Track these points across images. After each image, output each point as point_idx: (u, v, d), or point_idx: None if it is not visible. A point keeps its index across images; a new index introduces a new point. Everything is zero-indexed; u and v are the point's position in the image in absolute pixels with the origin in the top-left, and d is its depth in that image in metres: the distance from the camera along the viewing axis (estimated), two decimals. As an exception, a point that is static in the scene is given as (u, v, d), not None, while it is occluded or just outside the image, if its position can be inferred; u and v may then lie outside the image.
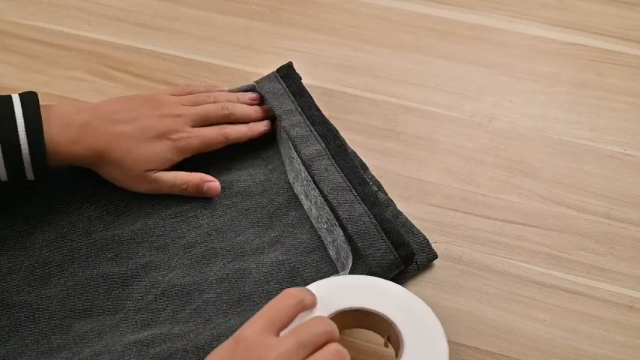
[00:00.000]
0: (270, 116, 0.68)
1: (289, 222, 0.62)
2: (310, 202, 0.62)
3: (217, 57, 0.76)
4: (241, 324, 0.54)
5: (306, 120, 0.65)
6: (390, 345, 0.51)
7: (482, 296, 0.58)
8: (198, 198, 0.63)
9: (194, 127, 0.63)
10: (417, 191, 0.65)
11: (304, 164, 0.62)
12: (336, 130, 0.66)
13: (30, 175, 0.57)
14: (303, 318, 0.47)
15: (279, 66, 0.70)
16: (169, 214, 0.62)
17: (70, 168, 0.61)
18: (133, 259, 0.59)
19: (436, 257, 0.60)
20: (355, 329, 0.53)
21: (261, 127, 0.66)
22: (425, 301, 0.52)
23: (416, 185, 0.65)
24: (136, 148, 0.60)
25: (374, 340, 0.54)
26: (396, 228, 0.58)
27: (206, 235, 0.61)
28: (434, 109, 0.71)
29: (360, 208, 0.59)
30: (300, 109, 0.66)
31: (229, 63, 0.75)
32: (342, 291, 0.51)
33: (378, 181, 0.64)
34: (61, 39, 0.77)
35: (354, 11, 0.81)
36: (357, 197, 0.59)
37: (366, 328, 0.52)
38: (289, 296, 0.47)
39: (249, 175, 0.65)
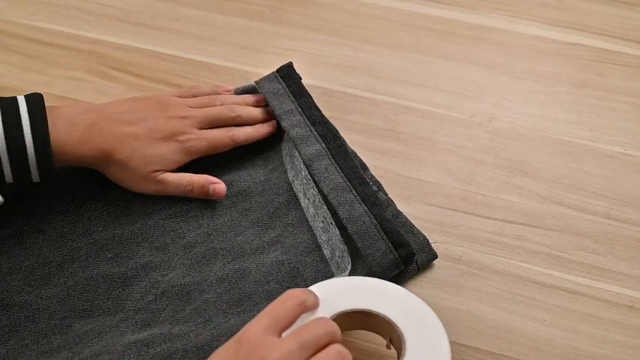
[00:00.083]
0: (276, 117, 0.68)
1: (289, 222, 0.62)
2: (308, 200, 0.62)
3: (217, 57, 0.76)
4: (241, 324, 0.54)
5: (306, 120, 0.65)
6: (392, 347, 0.51)
7: (482, 296, 0.58)
8: (198, 199, 0.63)
9: (201, 129, 0.63)
10: (417, 191, 0.65)
11: (304, 164, 0.62)
12: (336, 130, 0.66)
13: (36, 177, 0.57)
14: (305, 319, 0.47)
15: (279, 66, 0.70)
16: (169, 214, 0.62)
17: (71, 168, 0.61)
18: (133, 259, 0.59)
19: (436, 257, 0.60)
20: (357, 330, 0.53)
21: (267, 128, 0.66)
22: (425, 301, 0.52)
23: (416, 185, 0.65)
24: (143, 148, 0.60)
25: (375, 340, 0.54)
26: (396, 228, 0.58)
27: (206, 235, 0.61)
28: (434, 109, 0.71)
29: (360, 208, 0.59)
30: (300, 109, 0.66)
31: (229, 63, 0.75)
32: (344, 292, 0.51)
33: (378, 181, 0.64)
34: (61, 39, 0.77)
35: (354, 11, 0.81)
36: (357, 197, 0.59)
37: (368, 330, 0.52)
38: (292, 297, 0.47)
39: (249, 175, 0.65)
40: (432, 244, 0.60)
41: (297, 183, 0.63)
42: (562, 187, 0.65)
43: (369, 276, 0.56)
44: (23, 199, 0.62)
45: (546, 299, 0.58)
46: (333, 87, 0.73)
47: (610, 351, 0.55)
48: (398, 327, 0.49)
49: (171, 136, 0.61)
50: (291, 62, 0.70)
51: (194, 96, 0.66)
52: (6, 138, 0.55)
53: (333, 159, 0.62)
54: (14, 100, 0.57)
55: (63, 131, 0.58)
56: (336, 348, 0.45)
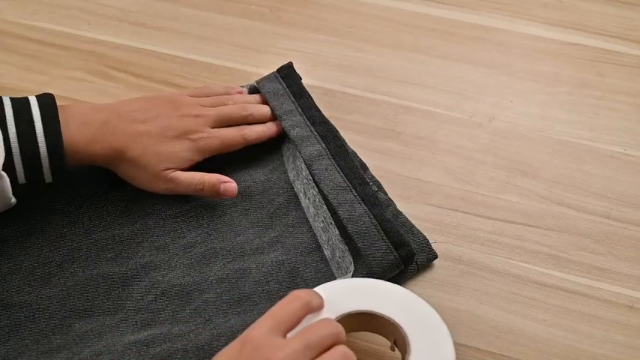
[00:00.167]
0: None
1: (289, 222, 0.62)
2: (309, 200, 0.62)
3: (217, 57, 0.76)
4: (241, 324, 0.54)
5: (307, 120, 0.65)
6: (396, 349, 0.51)
7: (483, 296, 0.58)
8: (197, 198, 0.63)
9: (213, 127, 0.63)
10: (417, 191, 0.65)
11: (305, 164, 0.62)
12: (337, 131, 0.66)
13: (48, 177, 0.57)
14: (310, 320, 0.47)
15: (280, 66, 0.70)
16: (169, 214, 0.62)
17: (74, 169, 0.61)
18: (133, 259, 0.59)
19: (436, 257, 0.60)
20: (361, 332, 0.53)
21: (279, 126, 0.66)
22: (425, 301, 0.52)
23: (416, 185, 0.65)
24: (155, 146, 0.60)
25: (378, 341, 0.54)
26: (396, 228, 0.58)
27: (206, 235, 0.61)
28: (434, 109, 0.71)
29: (360, 208, 0.59)
30: (300, 110, 0.66)
31: (229, 63, 0.75)
32: (349, 294, 0.51)
33: (378, 181, 0.64)
34: (61, 39, 0.77)
35: (354, 11, 0.81)
36: (357, 197, 0.59)
37: (372, 332, 0.52)
38: (296, 298, 0.47)
39: (249, 175, 0.65)
40: (432, 244, 0.60)
41: (298, 183, 0.63)
42: (562, 187, 0.65)
43: (369, 276, 0.56)
44: (23, 199, 0.62)
45: (546, 299, 0.58)
46: (333, 87, 0.73)
47: (610, 351, 0.55)
48: (402, 328, 0.49)
49: (183, 135, 0.61)
50: (291, 62, 0.70)
51: (206, 95, 0.66)
52: (19, 139, 0.55)
53: (334, 159, 0.62)
54: (26, 100, 0.57)
55: (75, 130, 0.58)
56: (341, 349, 0.45)
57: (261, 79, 0.69)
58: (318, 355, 0.44)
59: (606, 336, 0.56)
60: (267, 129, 0.66)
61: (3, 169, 0.54)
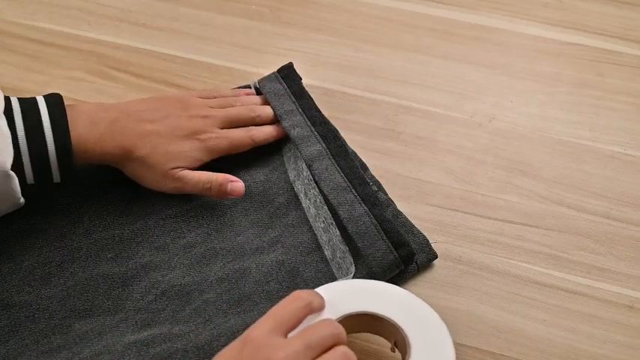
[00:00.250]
0: None
1: (289, 222, 0.62)
2: (309, 200, 0.62)
3: (217, 57, 0.76)
4: (241, 324, 0.54)
5: (307, 120, 0.65)
6: (396, 350, 0.51)
7: (483, 296, 0.58)
8: (198, 198, 0.63)
9: (222, 128, 0.63)
10: (417, 191, 0.65)
11: (305, 164, 0.62)
12: (337, 131, 0.66)
13: (57, 177, 0.57)
14: (311, 321, 0.47)
15: (280, 66, 0.70)
16: (169, 214, 0.62)
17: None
18: (133, 259, 0.59)
19: (436, 257, 0.60)
20: (362, 332, 0.53)
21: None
22: (425, 302, 0.52)
23: (416, 185, 0.65)
24: (164, 145, 0.60)
25: (378, 342, 0.54)
26: (396, 228, 0.58)
27: (206, 235, 0.61)
28: (434, 109, 0.71)
29: (361, 208, 0.59)
30: (300, 110, 0.66)
31: (229, 63, 0.75)
32: (350, 295, 0.51)
33: (378, 181, 0.64)
34: (61, 39, 0.77)
35: (354, 11, 0.81)
36: (358, 197, 0.59)
37: (373, 333, 0.52)
38: (298, 298, 0.47)
39: (249, 175, 0.65)
40: (432, 244, 0.60)
41: (299, 183, 0.63)
42: (562, 187, 0.65)
43: (369, 276, 0.56)
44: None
45: (546, 299, 0.58)
46: (333, 87, 0.73)
47: (610, 351, 0.55)
48: (402, 330, 0.49)
49: (192, 135, 0.61)
50: (291, 63, 0.70)
51: (214, 97, 0.66)
52: (27, 138, 0.55)
53: (334, 159, 0.62)
54: (34, 100, 0.57)
55: (84, 129, 0.58)
56: (342, 350, 0.45)
57: (262, 79, 0.69)
58: (319, 356, 0.44)
59: (606, 336, 0.56)
60: (275, 130, 0.66)
61: (12, 169, 0.54)
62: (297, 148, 0.63)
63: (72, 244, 0.60)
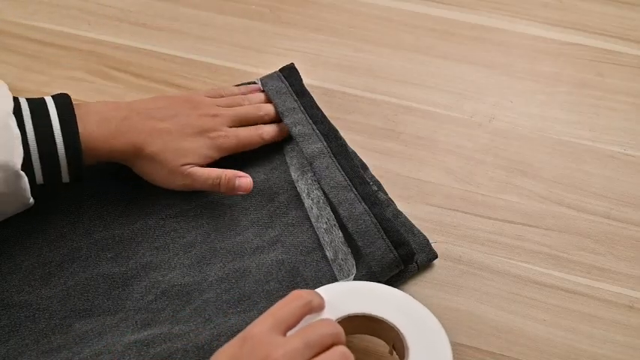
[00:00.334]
0: None
1: (289, 221, 0.62)
2: (312, 200, 0.62)
3: (217, 57, 0.76)
4: (241, 323, 0.55)
5: (308, 118, 0.65)
6: (394, 353, 0.51)
7: (483, 296, 0.58)
8: (198, 198, 0.63)
9: (231, 127, 0.64)
10: (417, 191, 0.65)
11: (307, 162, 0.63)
12: (337, 130, 0.67)
13: (65, 177, 0.57)
14: (310, 321, 0.48)
15: (281, 66, 0.70)
16: (169, 214, 0.62)
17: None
18: (133, 259, 0.59)
19: (436, 257, 0.60)
20: (360, 335, 0.53)
21: None
22: (425, 301, 0.52)
23: (416, 185, 0.65)
24: (175, 142, 0.60)
25: (377, 342, 0.54)
26: (396, 227, 0.58)
27: (206, 235, 0.61)
28: (434, 109, 0.71)
29: (361, 207, 0.59)
30: (302, 108, 0.66)
31: (229, 63, 0.75)
32: (350, 296, 0.51)
33: (378, 181, 0.65)
34: (61, 39, 0.77)
35: (354, 11, 0.81)
36: (358, 196, 0.59)
37: (371, 334, 0.52)
38: (297, 297, 0.47)
39: (249, 174, 0.65)
40: (432, 244, 0.60)
41: (302, 183, 0.63)
42: (562, 187, 0.65)
43: (369, 275, 0.56)
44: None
45: (546, 299, 0.58)
46: (333, 87, 0.73)
47: (610, 351, 0.55)
48: (401, 333, 0.49)
49: (202, 132, 0.62)
50: (293, 63, 0.70)
51: (221, 96, 0.67)
52: (37, 138, 0.55)
53: (335, 158, 0.62)
54: (42, 100, 0.57)
55: (95, 126, 0.58)
56: (341, 349, 0.45)
57: (264, 77, 0.70)
58: (318, 354, 0.44)
59: (606, 336, 0.56)
60: (282, 129, 0.66)
61: (21, 169, 0.54)
62: (299, 146, 0.64)
63: (72, 244, 0.60)
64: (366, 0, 0.81)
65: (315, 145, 0.63)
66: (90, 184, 0.63)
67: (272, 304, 0.47)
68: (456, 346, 0.56)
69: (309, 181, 0.63)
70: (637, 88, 0.73)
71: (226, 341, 0.46)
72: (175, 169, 0.60)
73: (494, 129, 0.70)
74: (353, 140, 0.67)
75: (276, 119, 0.67)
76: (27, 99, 0.57)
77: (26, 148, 0.55)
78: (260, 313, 0.48)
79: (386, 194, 0.64)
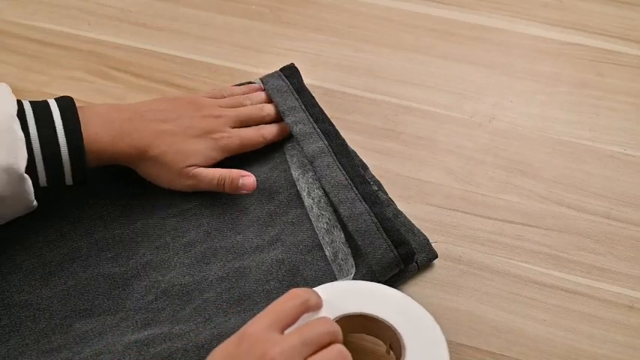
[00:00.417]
0: None
1: (289, 220, 0.62)
2: (312, 200, 0.62)
3: (217, 57, 0.76)
4: (242, 323, 0.54)
5: (310, 117, 0.65)
6: (391, 352, 0.51)
7: (483, 296, 0.58)
8: (198, 197, 0.63)
9: (234, 128, 0.64)
10: (417, 191, 0.65)
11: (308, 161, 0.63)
12: (337, 130, 0.67)
13: (69, 179, 0.58)
14: (307, 319, 0.48)
15: (282, 66, 0.70)
16: (170, 214, 0.62)
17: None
18: (133, 259, 0.59)
19: (436, 257, 0.60)
20: (357, 334, 0.53)
21: None
22: (425, 301, 0.52)
23: (416, 185, 0.65)
24: (179, 144, 0.61)
25: (375, 341, 0.54)
26: (397, 227, 0.58)
27: (206, 234, 0.61)
28: (434, 109, 0.71)
29: (361, 207, 0.59)
30: (303, 107, 0.66)
31: (229, 63, 0.75)
32: (348, 295, 0.51)
33: (378, 181, 0.65)
34: (61, 39, 0.77)
35: (354, 11, 0.81)
36: (359, 195, 0.59)
37: (368, 334, 0.52)
38: (295, 296, 0.47)
39: (249, 174, 0.65)
40: (432, 244, 0.60)
41: (303, 182, 0.64)
42: (562, 187, 0.65)
43: (369, 274, 0.56)
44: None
45: (546, 299, 0.58)
46: (333, 87, 0.73)
47: (610, 351, 0.55)
48: (398, 332, 0.49)
49: (206, 134, 0.62)
50: (293, 63, 0.70)
51: (223, 97, 0.67)
52: (40, 140, 0.55)
53: (335, 157, 0.62)
54: (45, 103, 0.57)
55: (99, 128, 0.58)
56: (338, 348, 0.45)
57: (265, 77, 0.70)
58: (315, 353, 0.44)
59: (606, 336, 0.56)
60: (283, 128, 0.67)
61: (25, 172, 0.54)
62: (299, 145, 0.64)
63: (72, 243, 0.60)
64: (366, 0, 0.82)
65: (315, 144, 0.63)
66: (90, 185, 0.63)
67: (271, 304, 0.47)
68: (456, 346, 0.56)
69: (310, 180, 0.63)
70: (637, 88, 0.73)
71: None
72: (180, 170, 0.61)
73: (494, 129, 0.70)
74: (353, 140, 0.67)
75: (277, 118, 0.67)
76: (30, 101, 0.57)
77: (30, 150, 0.55)
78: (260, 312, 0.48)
79: (386, 194, 0.64)
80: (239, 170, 0.62)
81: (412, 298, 0.52)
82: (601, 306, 0.58)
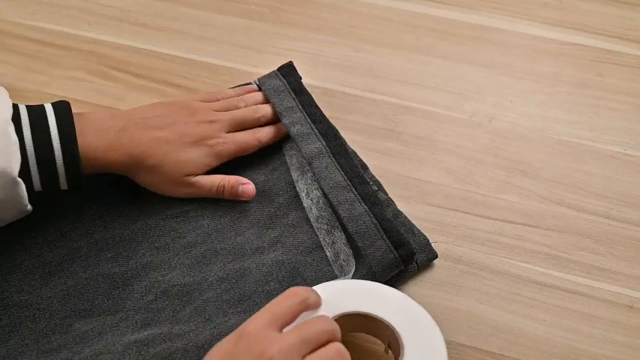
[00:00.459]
0: None
1: (289, 222, 0.62)
2: (311, 201, 0.62)
3: (217, 57, 0.76)
4: (241, 323, 0.54)
5: (307, 117, 0.65)
6: (390, 352, 0.52)
7: (483, 296, 0.58)
8: (198, 199, 0.63)
9: (229, 132, 0.64)
10: (417, 191, 0.65)
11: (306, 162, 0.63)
12: (336, 130, 0.66)
13: (64, 184, 0.57)
14: (306, 318, 0.48)
15: (280, 65, 0.70)
16: (170, 214, 0.62)
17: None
18: (133, 259, 0.59)
19: (436, 257, 0.60)
20: (357, 332, 0.53)
21: None
22: (425, 301, 0.52)
23: (416, 185, 0.65)
24: (175, 153, 0.60)
25: (374, 341, 0.54)
26: (397, 227, 0.58)
27: (206, 235, 0.61)
28: (434, 109, 0.71)
29: (361, 208, 0.59)
30: (300, 107, 0.66)
31: (229, 63, 0.75)
32: (346, 294, 0.51)
33: (378, 181, 0.65)
34: (61, 39, 0.77)
35: (354, 11, 0.81)
36: (358, 196, 0.59)
37: (367, 333, 0.52)
38: (294, 294, 0.47)
39: (249, 176, 0.65)
40: (432, 244, 0.60)
41: (302, 183, 0.63)
42: (562, 187, 0.65)
43: (369, 275, 0.56)
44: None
45: (546, 299, 0.58)
46: (333, 87, 0.73)
47: (610, 351, 0.55)
48: (397, 331, 0.49)
49: (201, 141, 0.62)
50: (291, 61, 0.70)
51: (217, 100, 0.67)
52: (34, 144, 0.55)
53: (334, 157, 0.62)
54: (41, 107, 0.57)
55: (92, 137, 0.58)
56: (336, 346, 0.45)
57: (262, 77, 0.70)
58: (313, 351, 0.44)
59: (606, 336, 0.56)
60: (279, 129, 0.66)
61: (19, 176, 0.54)
62: (297, 146, 0.63)
63: (72, 243, 0.60)
64: (366, 0, 0.82)
65: (313, 145, 0.63)
66: (90, 185, 0.63)
67: (271, 304, 0.47)
68: (456, 346, 0.56)
69: (309, 181, 0.63)
70: (637, 88, 0.73)
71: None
72: (178, 180, 0.61)
73: (494, 129, 0.70)
74: (353, 140, 0.67)
75: (273, 120, 0.67)
76: (27, 106, 0.57)
77: (24, 154, 0.55)
78: (260, 313, 0.48)
79: (386, 194, 0.64)
80: (237, 177, 0.62)
81: (412, 298, 0.52)
82: (601, 306, 0.58)
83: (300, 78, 0.69)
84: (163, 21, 0.79)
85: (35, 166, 0.55)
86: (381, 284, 0.53)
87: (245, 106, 0.66)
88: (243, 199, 0.62)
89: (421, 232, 0.61)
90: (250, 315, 0.55)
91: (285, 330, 0.46)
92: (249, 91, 0.69)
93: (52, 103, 0.58)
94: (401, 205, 0.63)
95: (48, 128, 0.56)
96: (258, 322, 0.45)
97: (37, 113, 0.57)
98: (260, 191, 0.64)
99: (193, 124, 0.62)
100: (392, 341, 0.50)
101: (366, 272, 0.56)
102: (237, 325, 0.54)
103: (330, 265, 0.59)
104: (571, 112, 0.71)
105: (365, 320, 0.51)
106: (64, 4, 0.81)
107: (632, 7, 0.81)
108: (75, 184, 0.58)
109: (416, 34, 0.78)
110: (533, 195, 0.65)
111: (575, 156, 0.67)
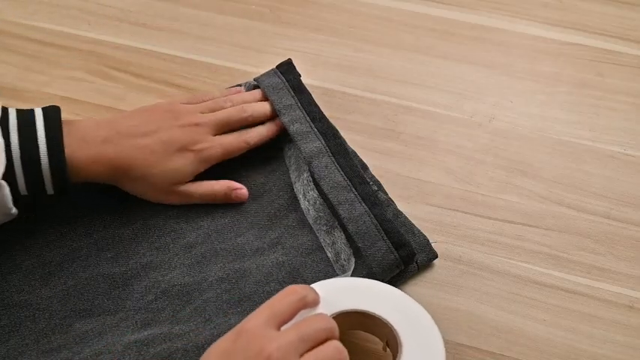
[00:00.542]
0: None
1: (289, 223, 0.62)
2: (308, 202, 0.62)
3: (217, 57, 0.76)
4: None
5: (306, 116, 0.65)
6: (388, 349, 0.52)
7: (483, 296, 0.58)
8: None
9: (215, 134, 0.63)
10: (417, 191, 0.65)
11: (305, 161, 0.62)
12: (336, 129, 0.66)
13: (50, 189, 0.57)
14: (304, 316, 0.48)
15: (279, 63, 0.70)
16: (170, 215, 0.62)
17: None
18: (133, 259, 0.59)
19: (436, 257, 0.60)
20: (356, 330, 0.53)
21: (278, 124, 0.66)
22: (425, 301, 0.52)
23: (416, 185, 0.65)
24: (159, 163, 0.60)
25: (374, 341, 0.54)
26: (397, 228, 0.58)
27: (206, 236, 0.61)
28: (434, 109, 0.71)
29: (361, 208, 0.59)
30: (300, 105, 0.66)
31: (229, 63, 0.75)
32: (345, 292, 0.51)
33: (378, 181, 0.64)
34: (61, 39, 0.77)
35: (354, 11, 0.81)
36: (358, 196, 0.59)
37: (365, 331, 0.52)
38: (292, 292, 0.47)
39: (248, 177, 0.65)
40: (432, 244, 0.60)
41: (299, 184, 0.63)
42: (562, 187, 0.65)
43: (369, 276, 0.56)
44: (23, 200, 0.62)
45: (546, 299, 0.58)
46: (333, 87, 0.73)
47: (610, 351, 0.55)
48: (395, 330, 0.49)
49: (186, 147, 0.61)
50: (290, 59, 0.70)
51: (202, 101, 0.65)
52: (21, 150, 0.55)
53: (333, 157, 0.62)
54: (31, 111, 0.57)
55: (76, 148, 0.57)
56: (334, 344, 0.45)
57: (261, 75, 0.69)
58: (311, 349, 0.44)
59: (606, 336, 0.56)
60: (267, 130, 0.65)
61: (3, 179, 0.54)
62: (296, 145, 0.63)
63: (72, 243, 0.60)
64: (366, 0, 0.81)
65: (313, 144, 0.63)
66: (90, 184, 0.63)
67: (271, 304, 0.47)
68: (456, 346, 0.56)
69: (305, 182, 0.63)
70: (637, 88, 0.73)
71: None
72: (166, 189, 0.61)
73: (494, 129, 0.70)
74: (353, 140, 0.67)
75: (262, 119, 0.65)
76: (17, 110, 0.57)
77: (9, 155, 0.54)
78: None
79: (386, 194, 0.64)
80: (229, 182, 0.62)
81: (412, 298, 0.52)
82: (601, 306, 0.58)
83: (300, 76, 0.69)
84: (163, 21, 0.79)
85: (20, 167, 0.55)
86: (379, 282, 0.53)
87: (231, 106, 0.65)
88: (237, 202, 0.63)
89: (421, 232, 0.61)
90: (250, 315, 0.56)
91: (283, 328, 0.46)
92: (236, 92, 0.68)
93: (43, 108, 0.58)
94: (401, 205, 0.63)
95: (35, 130, 0.56)
96: (257, 319, 0.45)
97: (25, 116, 0.56)
98: (260, 192, 0.64)
99: (177, 128, 0.61)
100: (390, 339, 0.50)
101: (367, 273, 0.56)
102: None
103: (330, 265, 0.59)
104: (571, 112, 0.71)
105: (363, 318, 0.51)
106: (64, 4, 0.81)
107: (632, 7, 0.80)
108: (61, 189, 0.57)
109: (416, 34, 0.78)
110: (533, 195, 0.65)
111: (575, 156, 0.67)
